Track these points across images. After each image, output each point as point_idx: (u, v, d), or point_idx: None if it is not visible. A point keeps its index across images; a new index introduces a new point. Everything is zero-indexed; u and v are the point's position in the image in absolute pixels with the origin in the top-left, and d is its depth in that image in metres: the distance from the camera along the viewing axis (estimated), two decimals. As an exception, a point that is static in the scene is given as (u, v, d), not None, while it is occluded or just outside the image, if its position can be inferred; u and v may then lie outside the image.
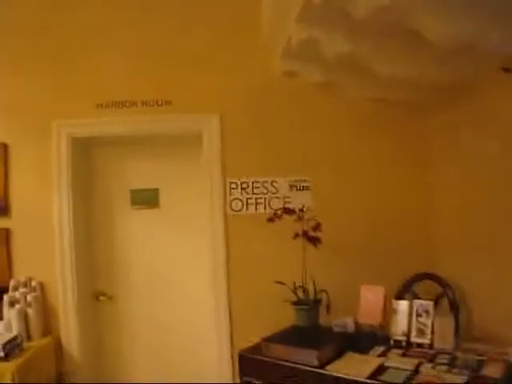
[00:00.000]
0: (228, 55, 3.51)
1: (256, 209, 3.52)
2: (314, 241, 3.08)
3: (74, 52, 3.46)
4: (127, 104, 3.46)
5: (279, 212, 3.17)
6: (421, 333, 2.71)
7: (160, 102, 3.49)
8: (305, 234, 3.10)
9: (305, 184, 3.54)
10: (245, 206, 3.51)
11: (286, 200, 3.53)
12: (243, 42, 3.50)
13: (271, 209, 3.45)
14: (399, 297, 3.18)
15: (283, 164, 3.52)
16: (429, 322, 2.71)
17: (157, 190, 3.78)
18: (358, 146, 3.53)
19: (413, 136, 3.55)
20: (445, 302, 3.16)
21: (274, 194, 3.53)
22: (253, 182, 3.51)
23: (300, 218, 3.12)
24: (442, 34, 2.29)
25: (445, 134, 3.39)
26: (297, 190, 3.54)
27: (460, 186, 3.21)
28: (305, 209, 3.16)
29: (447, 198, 3.38)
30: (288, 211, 3.15)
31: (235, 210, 3.51)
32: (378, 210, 3.51)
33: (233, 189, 3.50)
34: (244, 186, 3.50)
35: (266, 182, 3.51)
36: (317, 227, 3.10)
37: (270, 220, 3.15)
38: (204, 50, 3.51)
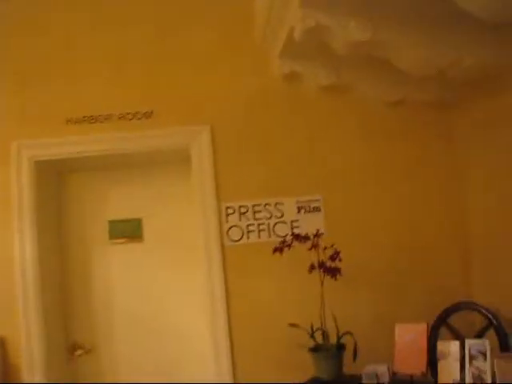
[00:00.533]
0: (219, 58, 3.01)
1: (259, 237, 2.96)
2: (334, 272, 2.52)
3: (40, 63, 2.95)
4: (101, 118, 2.92)
5: (288, 239, 2.61)
6: (478, 379, 2.13)
7: (140, 115, 2.96)
8: (322, 264, 2.55)
9: (315, 204, 2.99)
10: (245, 235, 2.96)
11: (294, 225, 2.98)
12: (237, 42, 3.01)
13: (277, 236, 2.90)
14: (434, 334, 2.60)
15: (288, 182, 2.99)
16: (487, 366, 2.13)
17: (139, 220, 3.25)
18: (376, 157, 3.00)
19: (439, 141, 3.02)
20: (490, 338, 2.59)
21: (280, 218, 2.98)
22: (253, 206, 2.96)
23: (315, 246, 2.56)
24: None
25: (478, 134, 2.86)
26: (306, 211, 2.99)
27: (502, 197, 2.66)
28: (319, 234, 2.60)
29: (487, 213, 2.84)
30: (299, 238, 2.60)
31: (234, 240, 2.95)
32: (403, 232, 2.96)
33: (230, 214, 2.95)
34: (243, 210, 2.95)
35: (268, 204, 2.97)
36: (335, 256, 2.55)
37: (278, 250, 2.59)
38: (190, 52, 3.01)
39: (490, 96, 2.67)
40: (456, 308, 2.71)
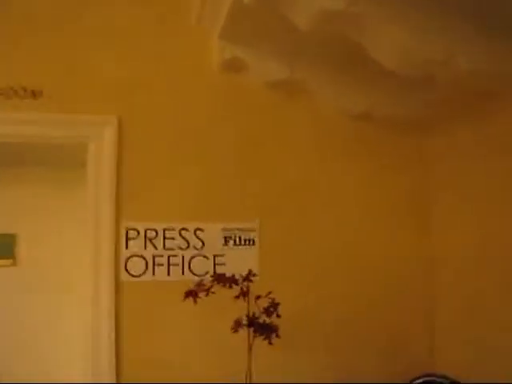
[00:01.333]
0: (144, 37, 2.25)
1: (168, 273, 2.17)
2: (269, 333, 1.78)
3: None
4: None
5: (207, 281, 1.84)
6: None
7: (25, 93, 2.12)
8: (252, 320, 1.80)
9: (248, 235, 2.26)
10: (150, 269, 2.16)
11: (218, 261, 2.22)
12: (167, 20, 2.28)
13: (194, 274, 2.13)
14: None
15: (215, 202, 2.24)
16: None
17: (13, 236, 2.37)
18: (330, 178, 2.34)
19: (406, 166, 2.40)
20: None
21: (199, 249, 2.21)
22: (164, 230, 2.18)
23: (244, 293, 1.82)
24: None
25: (449, 161, 2.29)
26: (235, 244, 2.24)
27: (472, 236, 2.08)
28: (251, 276, 1.86)
29: (454, 254, 2.23)
30: (223, 280, 1.84)
31: (134, 275, 2.14)
32: (360, 277, 2.28)
33: (131, 239, 2.15)
34: (150, 235, 2.17)
35: (186, 229, 2.20)
36: (272, 309, 1.82)
37: (191, 295, 1.82)
38: (110, 28, 2.22)
39: (475, 119, 2.10)
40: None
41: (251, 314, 1.81)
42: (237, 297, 1.81)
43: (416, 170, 2.39)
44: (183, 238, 2.18)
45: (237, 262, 2.20)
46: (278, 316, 1.81)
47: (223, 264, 2.20)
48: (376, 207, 2.34)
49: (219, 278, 1.83)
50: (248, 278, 1.84)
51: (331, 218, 2.30)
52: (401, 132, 2.38)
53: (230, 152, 2.26)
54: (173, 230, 2.17)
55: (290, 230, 2.28)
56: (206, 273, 2.15)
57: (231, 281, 1.82)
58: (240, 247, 2.23)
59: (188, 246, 2.18)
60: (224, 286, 1.82)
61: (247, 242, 2.24)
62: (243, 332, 1.79)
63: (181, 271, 2.16)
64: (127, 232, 2.14)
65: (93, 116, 2.17)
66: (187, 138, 2.24)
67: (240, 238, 2.24)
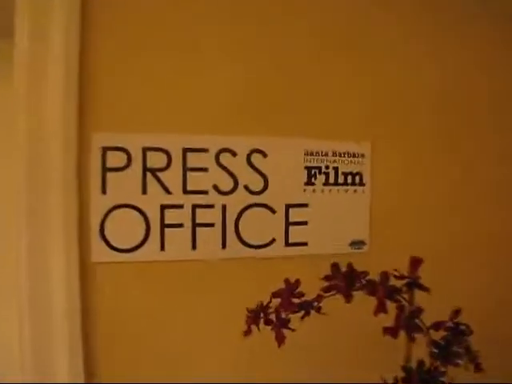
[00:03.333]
0: None
1: (194, 245, 1.03)
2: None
3: None
4: None
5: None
6: None
7: None
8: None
9: (352, 168, 1.11)
10: (155, 235, 1.01)
11: (296, 217, 1.08)
12: None
13: (247, 246, 1.03)
14: None
15: (287, 104, 1.07)
16: None
17: None
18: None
19: None
20: None
21: (257, 193, 1.05)
22: (185, 151, 1.00)
23: (404, 325, 0.70)
24: None
25: None
26: (327, 183, 1.09)
27: None
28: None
29: None
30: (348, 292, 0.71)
31: (120, 249, 0.98)
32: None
33: (115, 171, 0.96)
34: (155, 161, 0.99)
35: (229, 151, 1.03)
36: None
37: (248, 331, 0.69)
38: None
39: None
40: None
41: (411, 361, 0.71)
42: (390, 332, 0.69)
43: None
44: (223, 167, 1.02)
45: (331, 219, 1.08)
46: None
47: (304, 223, 1.07)
48: None
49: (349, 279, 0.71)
50: (416, 283, 0.72)
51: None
52: None
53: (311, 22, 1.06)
54: (202, 151, 1.01)
55: (422, 163, 1.15)
56: (271, 242, 1.04)
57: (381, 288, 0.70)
58: (336, 189, 1.10)
59: (235, 187, 1.03)
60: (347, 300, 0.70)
61: (350, 181, 1.11)
62: None
63: (220, 240, 1.02)
64: (104, 154, 0.97)
65: None
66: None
67: (336, 171, 1.10)
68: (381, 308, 0.65)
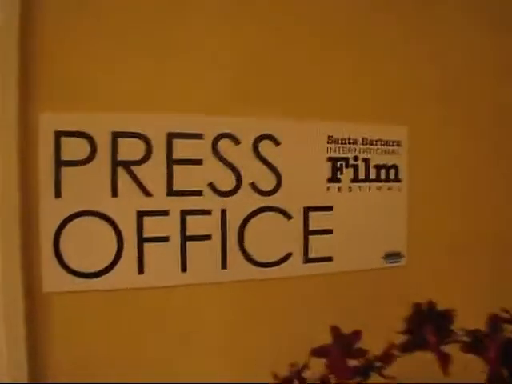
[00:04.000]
0: None
1: (184, 266, 0.75)
2: None
3: None
4: None
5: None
6: None
7: None
8: None
9: (386, 160, 0.86)
10: (130, 252, 0.73)
11: (317, 223, 0.81)
12: None
13: (256, 265, 0.77)
14: None
15: (302, 84, 0.80)
16: None
17: None
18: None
19: None
20: None
21: (267, 192, 0.78)
22: (171, 137, 0.73)
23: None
24: None
25: None
26: (356, 179, 0.84)
27: None
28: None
29: None
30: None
31: (82, 274, 0.70)
32: None
33: (71, 165, 0.70)
34: (132, 152, 0.71)
35: (232, 137, 0.77)
36: None
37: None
38: None
39: None
40: None
41: None
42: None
43: None
44: (223, 159, 0.76)
45: (361, 226, 0.83)
46: None
47: (328, 232, 0.81)
48: None
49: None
50: None
51: None
52: None
53: None
54: (194, 137, 0.75)
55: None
56: (286, 257, 0.78)
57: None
58: (367, 187, 0.85)
59: (238, 186, 0.77)
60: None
61: (383, 176, 0.86)
62: None
63: (219, 258, 0.76)
64: (58, 142, 0.70)
65: None
66: None
67: (367, 163, 0.85)
68: (494, 379, 0.40)
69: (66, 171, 0.70)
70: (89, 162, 0.71)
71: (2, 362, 0.68)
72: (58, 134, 0.70)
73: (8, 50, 0.67)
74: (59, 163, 0.70)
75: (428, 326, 0.41)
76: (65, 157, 0.70)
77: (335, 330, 0.46)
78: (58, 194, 0.70)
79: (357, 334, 0.44)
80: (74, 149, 0.70)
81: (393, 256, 0.87)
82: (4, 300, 0.67)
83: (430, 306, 0.45)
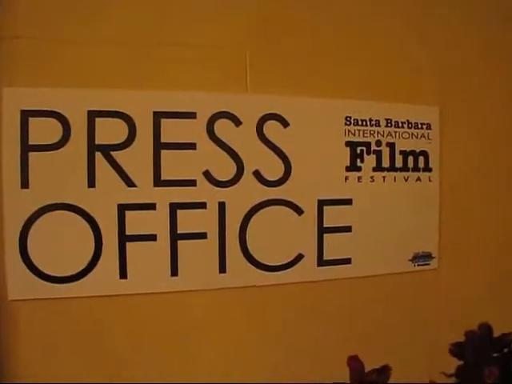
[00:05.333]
0: None
1: (174, 271, 0.64)
2: None
3: None
4: None
5: None
6: None
7: None
8: None
9: (414, 145, 0.73)
10: (111, 257, 0.61)
11: (332, 219, 0.70)
12: None
13: (265, 269, 0.67)
14: None
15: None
16: None
17: None
18: None
19: None
20: None
21: (276, 183, 0.66)
22: (158, 117, 0.61)
23: None
24: None
25: None
26: (379, 167, 0.72)
27: None
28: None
29: None
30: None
31: (54, 278, 0.61)
32: None
33: (40, 149, 0.59)
34: (112, 134, 0.60)
35: (229, 115, 0.64)
36: None
37: None
38: None
39: None
40: None
41: None
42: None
43: None
44: (220, 143, 0.64)
45: (385, 223, 0.71)
46: None
47: (347, 229, 0.69)
48: None
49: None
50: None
51: None
52: None
53: None
54: (186, 116, 0.63)
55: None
56: (297, 259, 0.66)
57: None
58: (392, 176, 0.73)
59: (239, 174, 0.65)
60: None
61: (411, 164, 0.74)
62: None
63: (216, 260, 0.64)
64: (25, 123, 0.59)
65: None
66: None
67: (392, 149, 0.72)
68: None
69: (34, 157, 0.59)
70: (61, 147, 0.60)
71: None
72: (26, 114, 0.59)
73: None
74: (26, 148, 0.59)
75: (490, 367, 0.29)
76: (33, 140, 0.59)
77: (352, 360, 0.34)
78: (24, 185, 0.59)
79: (386, 370, 0.32)
80: (44, 131, 0.59)
81: (422, 258, 0.75)
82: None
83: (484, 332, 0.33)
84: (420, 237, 0.75)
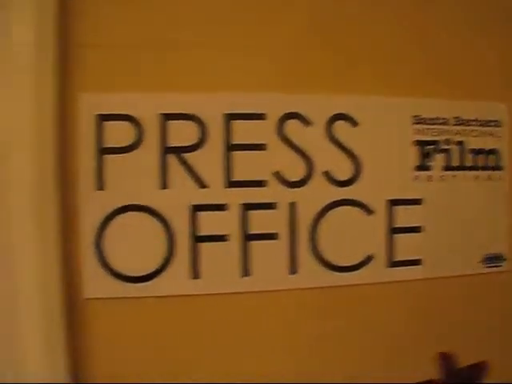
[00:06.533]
0: None
1: (246, 273, 0.64)
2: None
3: None
4: None
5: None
6: None
7: None
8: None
9: (489, 141, 0.71)
10: (183, 257, 0.62)
11: (403, 219, 0.67)
12: None
13: (334, 269, 0.66)
14: None
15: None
16: None
17: None
18: None
19: None
20: None
21: (342, 183, 0.65)
22: (229, 118, 0.61)
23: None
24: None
25: None
26: (448, 167, 0.70)
27: None
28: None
29: None
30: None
31: (128, 278, 0.61)
32: None
33: (115, 152, 0.60)
34: (183, 136, 0.60)
35: (298, 116, 0.64)
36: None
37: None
38: None
39: None
40: None
41: None
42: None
43: None
44: (290, 144, 0.64)
45: (456, 223, 0.69)
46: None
47: (417, 230, 0.68)
48: None
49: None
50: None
51: None
52: None
53: None
54: (256, 117, 0.63)
55: None
56: (367, 260, 0.65)
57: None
58: (462, 175, 0.71)
59: (309, 175, 0.65)
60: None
61: (481, 163, 0.72)
62: None
63: (287, 260, 0.64)
64: (100, 126, 0.60)
65: None
66: None
67: (462, 147, 0.71)
68: None
69: (108, 160, 0.60)
70: (135, 149, 0.61)
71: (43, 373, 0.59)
72: (100, 118, 0.60)
73: (45, 21, 0.58)
74: (101, 151, 0.60)
75: None
76: (107, 143, 0.60)
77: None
78: (99, 186, 0.60)
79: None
80: (118, 134, 0.61)
81: (493, 259, 0.73)
82: (41, 306, 0.58)
83: None
84: (491, 237, 0.73)
